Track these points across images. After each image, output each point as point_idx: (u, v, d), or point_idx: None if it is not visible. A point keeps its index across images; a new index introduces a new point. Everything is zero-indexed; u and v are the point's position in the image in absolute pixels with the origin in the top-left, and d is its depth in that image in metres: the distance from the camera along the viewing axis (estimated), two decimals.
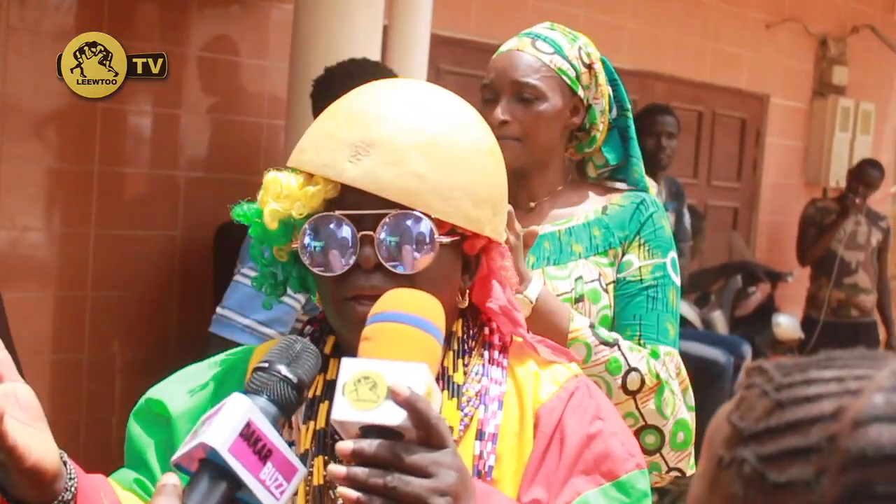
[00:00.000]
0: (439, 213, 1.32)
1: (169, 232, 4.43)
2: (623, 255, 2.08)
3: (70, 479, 1.19)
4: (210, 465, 1.08)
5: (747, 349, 5.82)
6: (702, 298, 6.17)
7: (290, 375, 1.15)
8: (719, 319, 6.10)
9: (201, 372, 1.47)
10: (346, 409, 1.13)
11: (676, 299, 2.08)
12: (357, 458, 1.11)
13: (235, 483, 1.07)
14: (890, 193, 8.30)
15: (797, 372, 0.83)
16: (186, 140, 4.45)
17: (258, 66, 4.59)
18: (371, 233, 1.31)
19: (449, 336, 1.37)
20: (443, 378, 1.37)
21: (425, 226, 1.31)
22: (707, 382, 4.29)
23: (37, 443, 1.13)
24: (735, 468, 0.80)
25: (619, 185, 2.22)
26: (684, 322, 5.05)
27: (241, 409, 1.09)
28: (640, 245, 2.08)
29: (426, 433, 1.13)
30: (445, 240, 1.33)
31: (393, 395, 1.12)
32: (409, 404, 1.11)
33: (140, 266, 4.35)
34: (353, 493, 1.10)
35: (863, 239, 6.62)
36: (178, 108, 4.37)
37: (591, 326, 1.98)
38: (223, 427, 1.08)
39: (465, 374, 1.38)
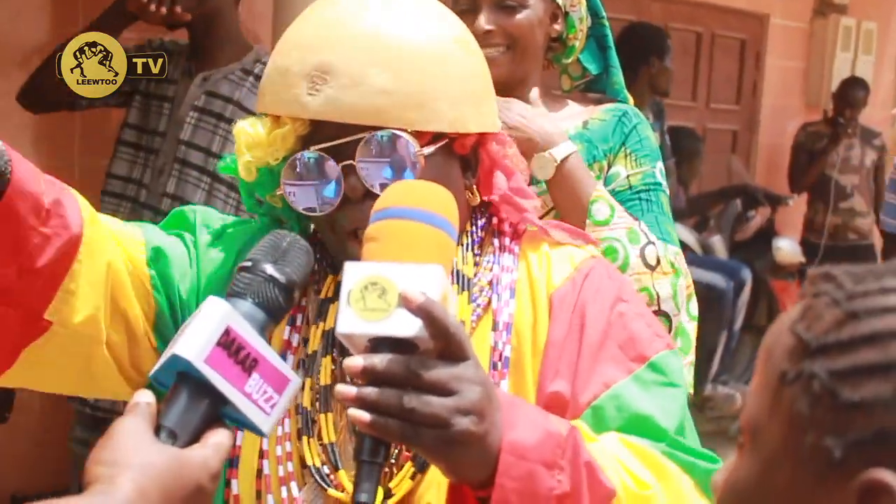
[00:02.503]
0: (415, 124, 1.25)
1: None
2: (609, 167, 2.03)
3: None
4: (188, 380, 0.97)
5: (747, 273, 5.76)
6: (701, 223, 6.10)
7: (277, 275, 1.04)
8: (718, 244, 6.03)
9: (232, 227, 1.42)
10: (353, 320, 1.02)
11: (668, 205, 2.03)
12: (368, 375, 1.01)
13: (219, 399, 0.97)
14: (891, 115, 8.18)
15: (871, 279, 0.76)
16: None
17: None
18: (352, 162, 1.24)
19: (461, 234, 1.31)
20: (453, 273, 1.29)
21: (404, 142, 1.24)
22: (707, 307, 4.23)
23: None
24: (801, 384, 0.73)
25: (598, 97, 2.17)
26: (683, 247, 4.99)
27: (218, 315, 0.98)
28: (626, 155, 2.02)
29: (445, 344, 1.03)
30: (429, 150, 1.26)
31: (405, 302, 1.01)
32: (425, 312, 1.01)
33: None
34: (365, 416, 1.00)
35: (856, 161, 6.53)
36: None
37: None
38: (198, 336, 0.97)
39: (476, 264, 1.31)
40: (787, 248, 6.29)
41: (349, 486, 1.23)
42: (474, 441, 1.04)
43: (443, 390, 1.02)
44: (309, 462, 1.26)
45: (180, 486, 0.92)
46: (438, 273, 1.04)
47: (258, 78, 3.01)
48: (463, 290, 1.29)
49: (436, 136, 1.27)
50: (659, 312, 1.91)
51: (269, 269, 1.05)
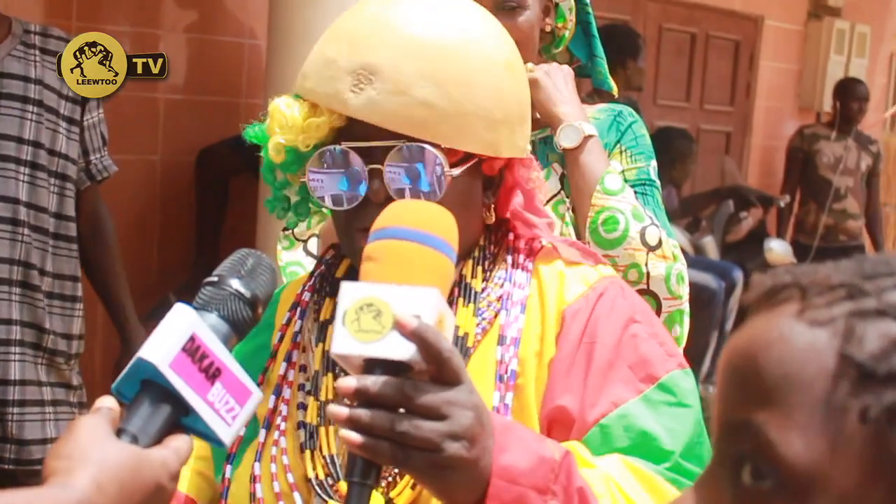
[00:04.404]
0: (449, 140, 1.25)
1: (149, 156, 4.34)
2: None
3: None
4: (151, 387, 0.97)
5: (739, 275, 5.77)
6: (693, 224, 6.10)
7: (242, 290, 1.05)
8: (710, 245, 6.04)
9: None
10: (348, 340, 1.02)
11: (662, 202, 2.03)
12: (361, 397, 1.01)
13: (181, 407, 0.97)
14: (883, 119, 8.20)
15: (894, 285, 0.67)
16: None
17: None
18: (380, 166, 1.24)
19: (472, 249, 1.32)
20: (460, 285, 1.29)
21: (435, 158, 1.24)
22: (698, 307, 4.25)
23: None
24: (889, 419, 0.63)
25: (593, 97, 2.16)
26: None
27: (185, 322, 0.98)
28: (621, 152, 2.02)
29: (438, 368, 1.02)
30: (457, 171, 1.26)
31: (399, 327, 1.01)
32: (418, 337, 1.01)
33: (120, 191, 4.25)
34: (356, 437, 1.00)
35: (852, 164, 6.55)
36: (156, 28, 4.25)
37: None
38: (163, 340, 0.97)
39: (484, 279, 1.31)
40: (778, 249, 6.30)
41: None
42: (464, 466, 1.04)
43: (435, 415, 1.02)
44: (311, 475, 1.26)
45: (138, 482, 0.92)
46: (435, 296, 1.04)
47: (43, 51, 2.84)
48: (469, 302, 1.29)
49: (466, 156, 1.28)
50: (646, 292, 1.87)
51: (235, 284, 1.06)
